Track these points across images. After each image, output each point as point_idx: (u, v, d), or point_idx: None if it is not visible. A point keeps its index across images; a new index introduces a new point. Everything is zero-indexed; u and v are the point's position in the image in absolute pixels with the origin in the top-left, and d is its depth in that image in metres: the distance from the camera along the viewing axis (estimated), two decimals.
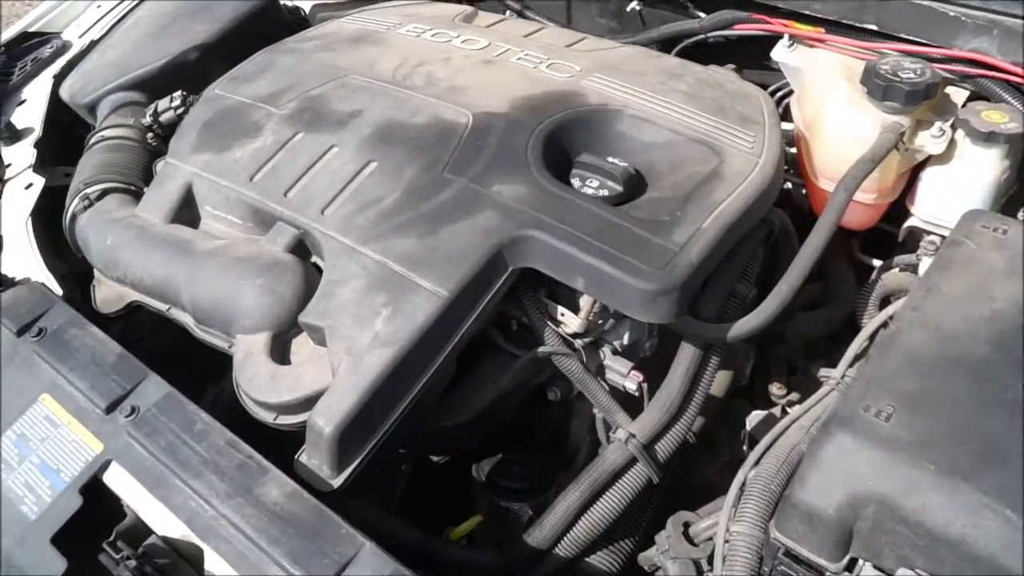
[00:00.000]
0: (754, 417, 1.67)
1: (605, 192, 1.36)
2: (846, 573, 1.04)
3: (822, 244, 1.36)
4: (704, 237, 1.25)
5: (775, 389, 1.80)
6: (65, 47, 2.03)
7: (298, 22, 2.11)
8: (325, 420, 1.16)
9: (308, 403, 1.23)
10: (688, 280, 1.22)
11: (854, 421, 1.05)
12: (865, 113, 1.48)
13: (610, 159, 1.41)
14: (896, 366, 1.10)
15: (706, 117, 1.46)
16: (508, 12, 2.15)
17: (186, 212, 1.50)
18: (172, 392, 1.26)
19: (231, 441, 1.18)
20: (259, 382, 1.25)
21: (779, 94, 1.80)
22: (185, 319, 1.40)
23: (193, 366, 1.64)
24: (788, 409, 1.76)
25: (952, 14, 1.53)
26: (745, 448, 1.69)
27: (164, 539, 1.14)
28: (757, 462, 1.31)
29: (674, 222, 1.27)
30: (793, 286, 1.33)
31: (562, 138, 1.45)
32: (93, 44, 2.01)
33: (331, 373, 1.22)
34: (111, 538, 1.14)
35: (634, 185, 1.39)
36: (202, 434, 1.20)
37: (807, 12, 1.63)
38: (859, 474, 1.02)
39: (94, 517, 1.19)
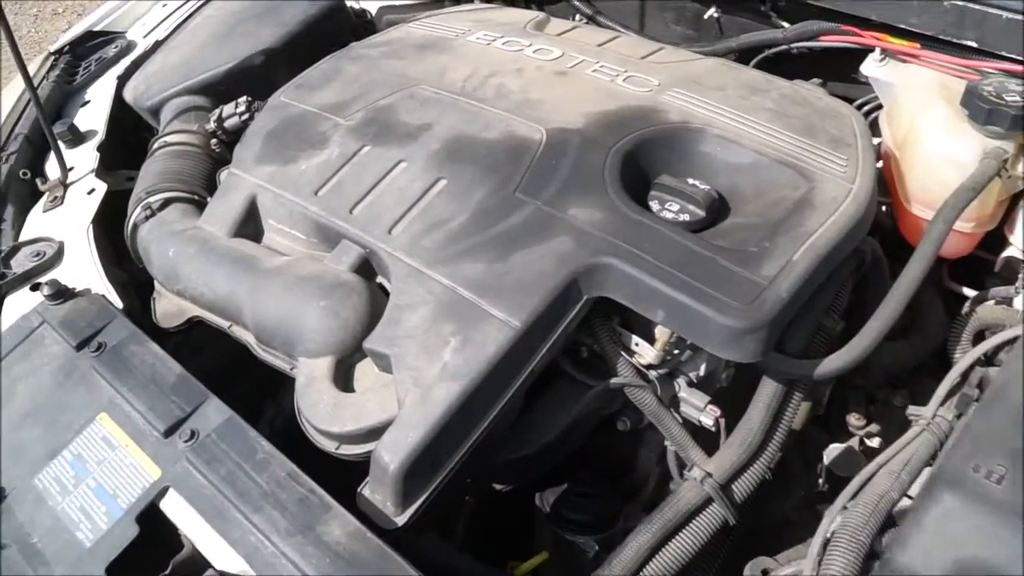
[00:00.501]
0: (832, 450, 1.60)
1: (686, 217, 1.29)
2: None
3: (919, 278, 1.27)
4: (795, 271, 1.17)
5: (853, 419, 1.71)
6: (129, 47, 2.01)
7: (364, 25, 2.06)
8: (391, 455, 1.11)
9: (372, 434, 1.18)
10: (777, 317, 1.14)
11: (962, 482, 0.98)
12: (965, 137, 1.38)
13: (691, 181, 1.34)
14: (1007, 422, 1.01)
15: (794, 137, 1.37)
16: (578, 17, 2.08)
17: (249, 225, 1.46)
18: (233, 417, 1.22)
19: (292, 473, 1.14)
20: (321, 410, 1.20)
21: (866, 108, 1.71)
22: (247, 337, 1.36)
23: (251, 380, 1.62)
24: (867, 440, 1.68)
25: None
26: (821, 481, 1.62)
27: (222, 574, 1.10)
28: (844, 508, 1.23)
29: (762, 253, 1.19)
30: (887, 323, 1.25)
31: (640, 158, 1.37)
32: (158, 45, 1.98)
33: (397, 404, 1.16)
34: (168, 571, 1.11)
35: (717, 210, 1.31)
36: (263, 464, 1.15)
37: (902, 26, 1.53)
38: (967, 540, 0.95)
39: (150, 546, 1.16)
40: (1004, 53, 1.47)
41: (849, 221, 1.24)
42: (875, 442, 1.67)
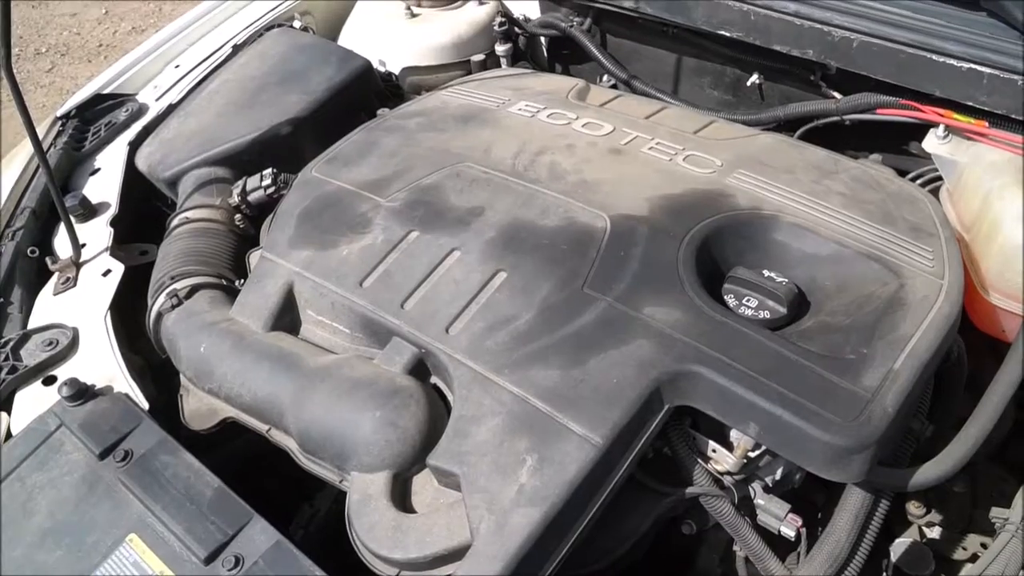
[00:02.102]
0: (899, 546, 1.51)
1: (766, 314, 1.21)
2: None
3: (1016, 382, 1.18)
4: (899, 381, 1.09)
5: (913, 508, 1.63)
6: (141, 111, 1.90)
7: (391, 90, 1.96)
8: None
9: (438, 560, 1.07)
10: (884, 434, 1.05)
11: None
12: None
13: (766, 273, 1.25)
14: None
15: (873, 227, 1.30)
16: (606, 77, 2.01)
17: (287, 317, 1.35)
18: (282, 541, 1.11)
19: None
20: (381, 533, 1.09)
21: (919, 182, 1.64)
22: (288, 443, 1.25)
23: (279, 478, 1.50)
24: (926, 530, 1.59)
25: None
26: None
27: None
28: None
29: (861, 361, 1.11)
30: (985, 429, 1.17)
31: (712, 247, 1.29)
32: (171, 108, 1.87)
33: (467, 528, 1.06)
34: None
35: (797, 306, 1.23)
36: None
37: (969, 103, 1.46)
38: None
39: None
40: None
41: (945, 321, 1.17)
42: (936, 532, 1.59)
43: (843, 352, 1.13)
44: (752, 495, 1.28)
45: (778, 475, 1.28)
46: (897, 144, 1.72)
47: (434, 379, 1.25)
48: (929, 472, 1.17)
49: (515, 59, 2.10)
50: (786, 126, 1.76)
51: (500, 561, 1.01)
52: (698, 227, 1.29)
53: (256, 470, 1.46)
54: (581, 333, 1.18)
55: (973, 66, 1.45)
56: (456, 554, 1.06)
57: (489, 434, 1.11)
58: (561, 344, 1.17)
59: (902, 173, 1.59)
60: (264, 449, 1.32)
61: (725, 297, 1.25)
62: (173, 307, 1.40)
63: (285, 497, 1.54)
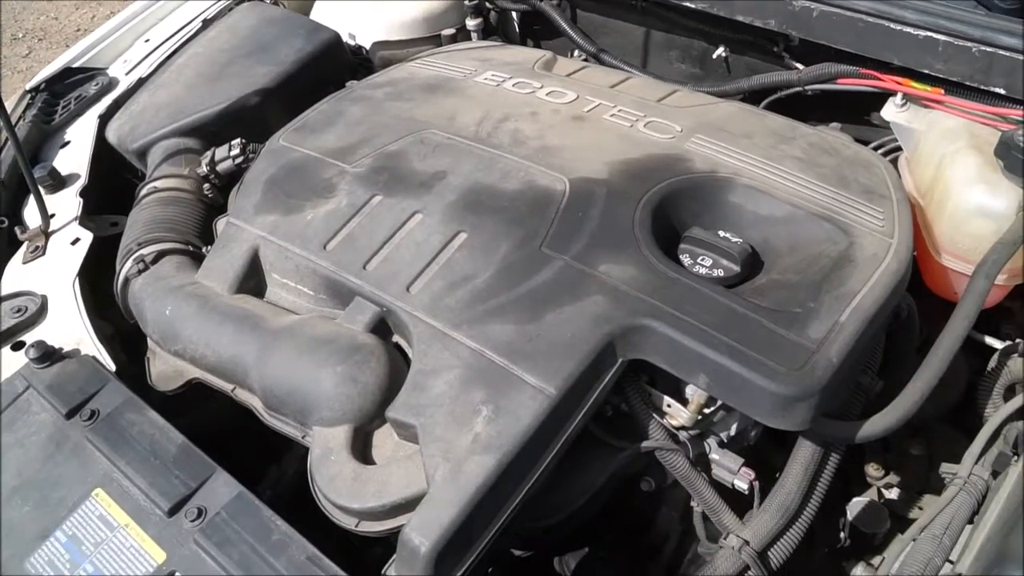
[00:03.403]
0: (856, 505, 1.55)
1: (720, 272, 1.23)
2: None
3: (962, 337, 1.22)
4: (844, 333, 1.12)
5: (871, 470, 1.67)
6: (111, 84, 1.91)
7: (361, 63, 1.98)
8: (422, 537, 1.02)
9: (396, 510, 1.10)
10: (828, 384, 1.08)
11: None
12: (1000, 189, 1.34)
13: (722, 234, 1.28)
14: None
15: (827, 189, 1.33)
16: (576, 52, 2.03)
17: (252, 280, 1.37)
18: (243, 493, 1.13)
19: (313, 557, 1.05)
20: (341, 484, 1.11)
21: (880, 151, 1.67)
22: (252, 402, 1.27)
23: (249, 440, 1.52)
24: (885, 492, 1.63)
25: None
26: (844, 536, 1.56)
27: None
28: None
29: (808, 315, 1.14)
30: (930, 383, 1.20)
31: (668, 209, 1.31)
32: (141, 82, 1.88)
33: (424, 478, 1.08)
34: None
35: (751, 265, 1.26)
36: (280, 547, 1.07)
37: (926, 71, 1.49)
38: None
39: None
40: None
41: (892, 278, 1.20)
42: (894, 493, 1.63)
43: (791, 306, 1.16)
44: (707, 451, 1.31)
45: (732, 431, 1.31)
46: (859, 114, 1.75)
47: (396, 338, 1.27)
48: (876, 425, 1.20)
49: (486, 34, 2.12)
50: (751, 98, 1.79)
51: (455, 507, 1.03)
52: (655, 189, 1.31)
53: (224, 437, 1.48)
54: (538, 290, 1.20)
55: (929, 34, 1.47)
56: (414, 503, 1.08)
57: (446, 387, 1.13)
58: (518, 301, 1.20)
59: (864, 143, 1.62)
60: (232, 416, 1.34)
61: (681, 256, 1.28)
62: (140, 272, 1.41)
63: (254, 461, 1.57)
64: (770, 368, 1.08)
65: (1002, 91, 1.44)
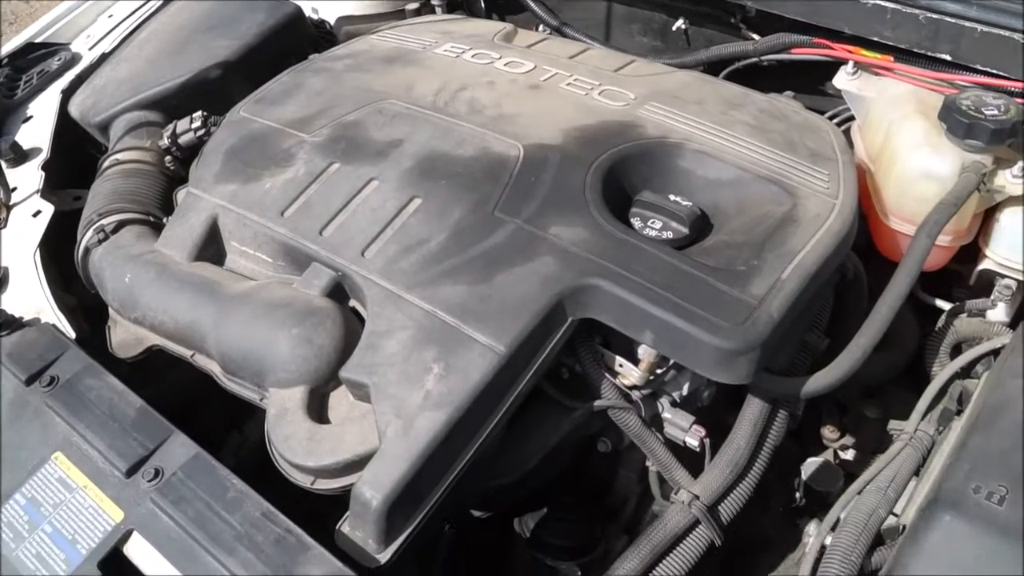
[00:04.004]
0: (810, 465, 1.58)
1: (669, 234, 1.26)
2: None
3: (904, 293, 1.26)
4: (784, 289, 1.15)
5: (828, 432, 1.71)
6: (74, 59, 1.91)
7: (324, 36, 1.99)
8: (373, 491, 1.05)
9: (350, 467, 1.12)
10: (769, 338, 1.11)
11: (962, 503, 0.96)
12: (943, 151, 1.37)
13: (672, 197, 1.30)
14: (1007, 442, 1.00)
15: (775, 153, 1.35)
16: (543, 28, 2.04)
17: (211, 248, 1.38)
18: (200, 453, 1.15)
19: (267, 512, 1.08)
20: (296, 443, 1.14)
21: (836, 121, 1.70)
22: (211, 367, 1.29)
23: (213, 409, 1.55)
24: (841, 453, 1.67)
25: None
26: (798, 495, 1.60)
27: None
28: (833, 528, 1.22)
29: (751, 272, 1.17)
30: (873, 339, 1.23)
31: (620, 174, 1.34)
32: (104, 57, 1.88)
33: (377, 435, 1.11)
34: None
35: (700, 227, 1.28)
36: (235, 503, 1.09)
37: (875, 39, 1.52)
38: (970, 563, 0.93)
39: None
40: (978, 66, 1.47)
41: (835, 238, 1.22)
42: (849, 454, 1.67)
43: (735, 265, 1.18)
44: (660, 410, 1.34)
45: (685, 391, 1.34)
46: (815, 84, 1.77)
47: (353, 302, 1.29)
48: (820, 380, 1.23)
49: (451, 8, 2.13)
50: (711, 70, 1.82)
51: (405, 461, 1.06)
52: (607, 154, 1.34)
53: (190, 407, 1.50)
54: (490, 253, 1.23)
55: (878, 1, 1.50)
56: (367, 460, 1.10)
57: (399, 347, 1.16)
58: (470, 263, 1.22)
59: (820, 112, 1.64)
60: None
61: (632, 220, 1.30)
62: (100, 242, 1.43)
63: (220, 430, 1.59)
64: (712, 323, 1.11)
65: (948, 57, 1.47)
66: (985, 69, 1.46)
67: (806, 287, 1.17)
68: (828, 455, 1.66)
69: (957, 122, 1.34)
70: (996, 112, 1.34)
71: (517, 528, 1.46)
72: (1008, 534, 0.92)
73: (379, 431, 1.10)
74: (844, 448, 1.67)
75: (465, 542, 1.48)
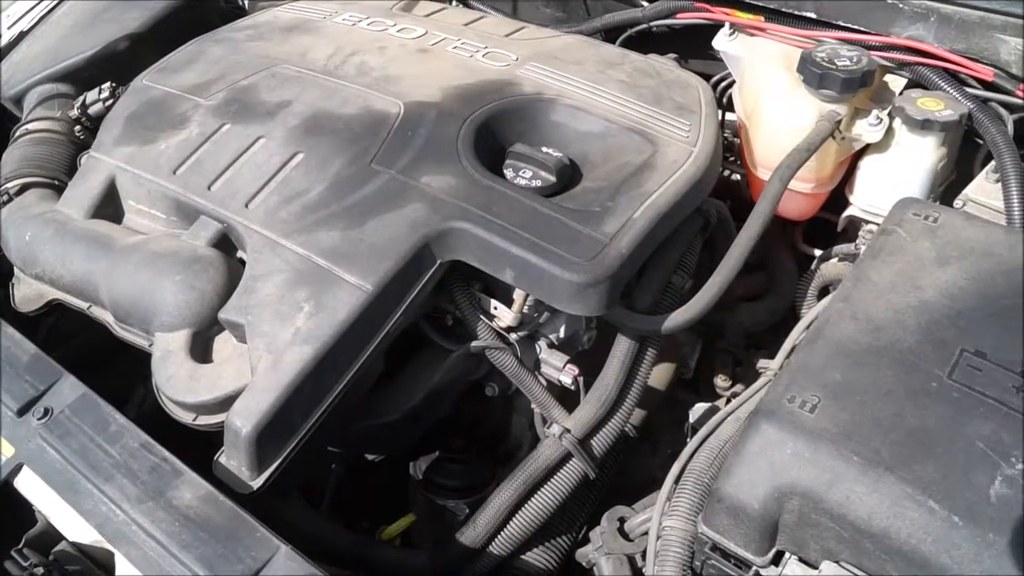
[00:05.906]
0: (697, 409, 1.65)
1: (538, 183, 1.33)
2: (772, 567, 1.02)
3: (757, 234, 1.34)
4: (634, 228, 1.23)
5: (720, 381, 1.80)
6: None
7: (235, 11, 2.05)
8: (243, 420, 1.12)
9: (228, 402, 1.18)
10: (618, 272, 1.19)
11: (778, 412, 1.03)
12: (802, 102, 1.46)
13: (544, 149, 1.38)
14: (823, 357, 1.07)
15: (642, 106, 1.43)
16: (453, 1, 2.11)
17: (109, 207, 1.45)
18: (88, 393, 1.21)
19: (145, 444, 1.14)
20: (177, 382, 1.21)
21: (723, 84, 1.78)
22: (105, 317, 1.35)
23: (126, 365, 1.60)
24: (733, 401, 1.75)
25: (890, 1, 1.51)
26: (688, 439, 1.68)
27: (75, 545, 1.10)
28: (692, 456, 1.29)
29: (604, 212, 1.24)
30: (727, 277, 1.32)
31: (495, 128, 1.41)
32: (22, 35, 1.94)
33: (251, 371, 1.18)
34: (20, 545, 1.10)
35: (568, 176, 1.36)
36: (116, 436, 1.15)
37: (747, 0, 1.61)
38: (783, 466, 1.00)
39: (4, 524, 1.15)
40: (841, 23, 1.55)
41: (689, 181, 1.30)
42: None
43: (592, 207, 1.26)
44: (538, 352, 1.41)
45: (561, 333, 1.41)
46: (703, 48, 1.85)
47: (240, 254, 1.36)
48: (679, 317, 1.30)
49: None
50: (608, 38, 1.89)
51: (273, 392, 1.13)
52: (482, 110, 1.41)
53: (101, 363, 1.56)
54: (364, 201, 1.30)
55: None
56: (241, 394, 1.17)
57: (274, 288, 1.22)
58: (345, 211, 1.29)
59: (707, 77, 1.73)
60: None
61: (505, 170, 1.37)
62: (4, 203, 1.49)
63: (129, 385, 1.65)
64: (565, 259, 1.18)
65: (813, 15, 1.56)
66: (847, 25, 1.55)
67: (657, 226, 1.25)
68: (720, 403, 1.74)
69: (812, 73, 1.42)
70: (848, 63, 1.42)
71: (412, 471, 1.53)
72: (817, 440, 1.00)
73: (252, 366, 1.17)
74: (735, 396, 1.75)
75: (364, 484, 1.55)
